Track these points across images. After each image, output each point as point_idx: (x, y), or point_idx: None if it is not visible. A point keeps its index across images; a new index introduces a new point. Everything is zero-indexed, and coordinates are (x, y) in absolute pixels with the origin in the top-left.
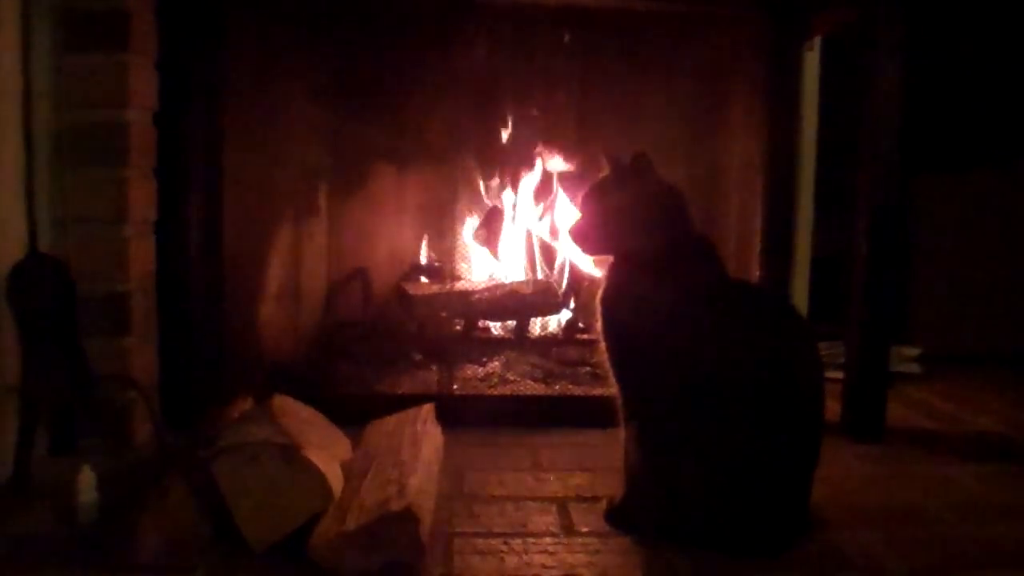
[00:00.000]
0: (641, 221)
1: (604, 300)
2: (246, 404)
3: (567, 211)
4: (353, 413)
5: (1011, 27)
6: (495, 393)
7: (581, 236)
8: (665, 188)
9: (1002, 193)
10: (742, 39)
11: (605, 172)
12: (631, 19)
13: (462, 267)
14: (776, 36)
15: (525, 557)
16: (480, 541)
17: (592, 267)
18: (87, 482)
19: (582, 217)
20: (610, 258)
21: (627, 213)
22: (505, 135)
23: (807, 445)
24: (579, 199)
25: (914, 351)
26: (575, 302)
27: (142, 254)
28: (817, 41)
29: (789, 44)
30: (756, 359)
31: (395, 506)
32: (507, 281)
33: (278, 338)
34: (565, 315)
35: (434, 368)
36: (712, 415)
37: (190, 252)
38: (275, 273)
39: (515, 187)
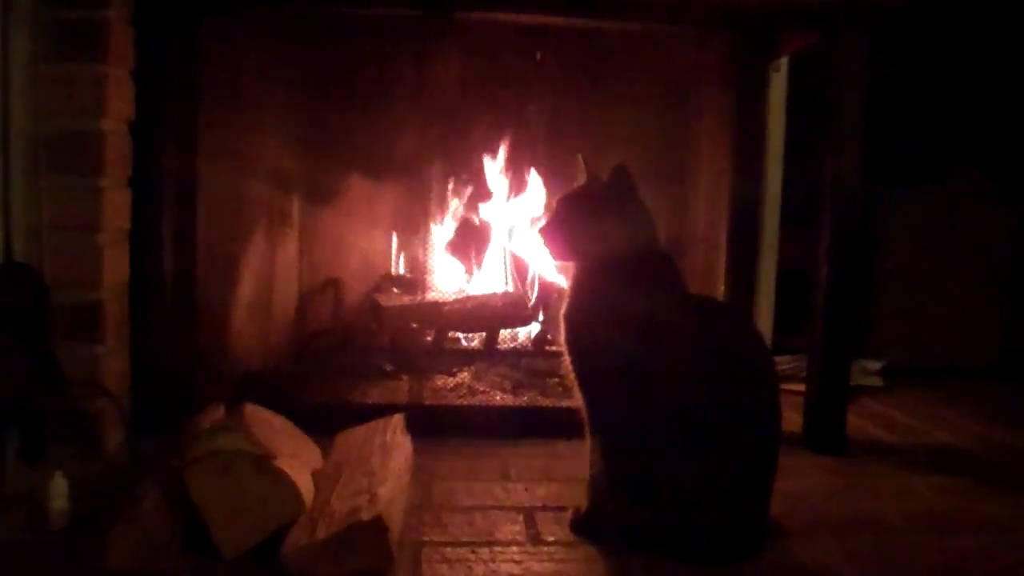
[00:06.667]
0: (610, 233)
1: (567, 315)
2: (217, 413)
3: (538, 223)
4: (323, 422)
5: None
6: (464, 404)
7: (551, 238)
8: (638, 204)
9: (962, 206)
10: (709, 58)
11: (583, 180)
12: (602, 38)
13: (434, 279)
14: (742, 56)
15: (492, 566)
16: (448, 550)
17: (560, 279)
18: (59, 488)
19: (555, 219)
20: (572, 268)
21: (599, 223)
22: (478, 149)
23: (765, 455)
24: (556, 201)
25: (876, 364)
26: (544, 314)
27: (116, 263)
28: (784, 61)
29: (755, 64)
30: (714, 372)
31: (365, 515)
32: (478, 293)
33: (249, 347)
34: (534, 327)
35: (404, 378)
36: (672, 427)
37: (163, 261)
38: (247, 282)
39: (487, 200)
